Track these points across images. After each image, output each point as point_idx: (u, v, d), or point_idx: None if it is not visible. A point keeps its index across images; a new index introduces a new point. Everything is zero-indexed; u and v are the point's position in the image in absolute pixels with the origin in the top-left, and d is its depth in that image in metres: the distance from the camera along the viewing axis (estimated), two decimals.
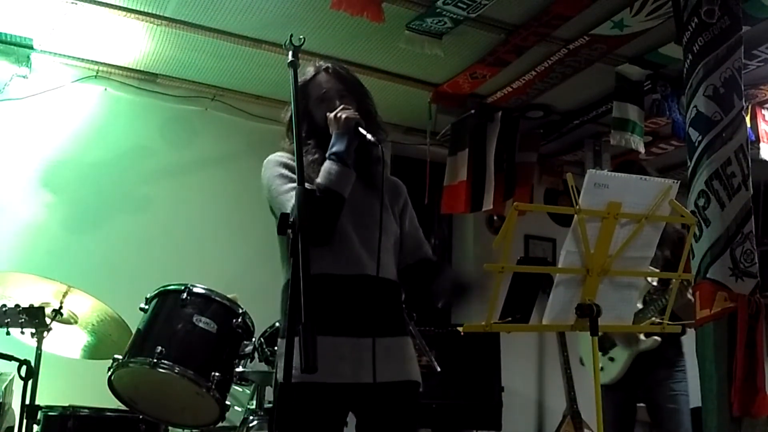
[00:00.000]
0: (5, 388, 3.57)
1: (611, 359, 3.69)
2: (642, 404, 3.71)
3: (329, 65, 2.38)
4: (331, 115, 2.23)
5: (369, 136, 2.16)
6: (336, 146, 2.19)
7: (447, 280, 2.42)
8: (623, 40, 4.16)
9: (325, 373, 1.94)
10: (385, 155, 2.27)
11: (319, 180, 2.16)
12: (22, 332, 3.19)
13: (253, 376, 3.38)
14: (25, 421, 3.09)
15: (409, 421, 2.21)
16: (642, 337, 3.59)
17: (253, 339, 3.18)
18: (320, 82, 2.34)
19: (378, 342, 2.12)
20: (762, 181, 5.76)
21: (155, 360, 2.78)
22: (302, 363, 1.63)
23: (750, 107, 4.85)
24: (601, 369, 3.70)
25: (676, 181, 2.17)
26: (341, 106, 2.24)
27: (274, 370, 2.26)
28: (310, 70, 2.37)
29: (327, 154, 2.20)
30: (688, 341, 3.50)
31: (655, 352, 3.60)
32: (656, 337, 3.57)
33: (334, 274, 2.17)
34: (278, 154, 2.34)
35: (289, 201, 2.05)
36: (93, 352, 3.51)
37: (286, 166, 2.25)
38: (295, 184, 2.05)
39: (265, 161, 2.33)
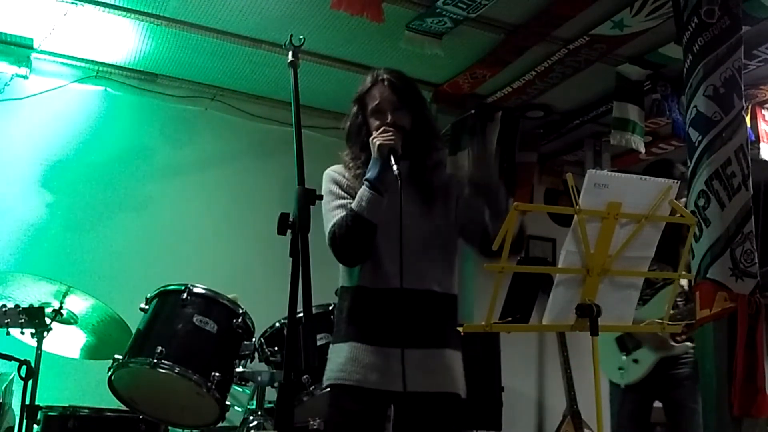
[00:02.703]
0: (5, 388, 3.57)
1: (635, 360, 3.66)
2: (658, 403, 3.69)
3: (385, 76, 2.36)
4: (370, 139, 2.25)
5: (395, 168, 2.15)
6: (370, 172, 2.22)
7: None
8: (623, 40, 4.16)
9: (356, 378, 2.18)
10: (441, 159, 2.39)
11: (352, 205, 2.21)
12: (22, 332, 3.19)
13: (255, 376, 3.38)
14: (25, 421, 3.10)
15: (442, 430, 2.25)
16: (673, 342, 3.58)
17: (254, 339, 3.18)
18: (375, 94, 2.34)
19: (408, 353, 2.16)
20: (762, 181, 5.75)
21: (155, 360, 2.79)
22: (302, 361, 1.64)
23: (750, 107, 4.85)
24: (622, 369, 3.68)
25: (676, 180, 2.17)
26: (381, 130, 2.24)
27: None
28: (367, 81, 2.38)
29: (363, 179, 2.23)
30: None
31: (678, 354, 3.60)
32: (688, 343, 3.57)
33: (366, 287, 2.26)
34: (334, 167, 2.39)
35: (334, 218, 2.23)
36: (93, 352, 3.51)
37: (337, 182, 2.33)
38: (344, 201, 2.24)
39: (324, 174, 2.39)
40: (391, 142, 2.20)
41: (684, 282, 3.58)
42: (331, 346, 2.31)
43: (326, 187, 2.33)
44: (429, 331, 2.26)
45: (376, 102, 2.32)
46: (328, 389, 2.26)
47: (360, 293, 2.27)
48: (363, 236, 2.21)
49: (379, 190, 2.20)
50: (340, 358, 2.23)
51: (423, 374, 2.19)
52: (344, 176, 2.35)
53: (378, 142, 2.20)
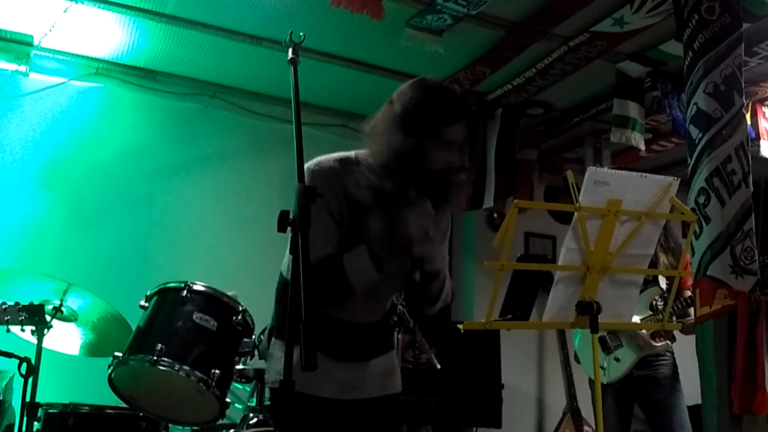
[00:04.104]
0: (5, 386, 3.57)
1: (616, 359, 3.70)
2: (637, 403, 3.74)
3: (474, 112, 2.07)
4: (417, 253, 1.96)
5: (416, 278, 1.98)
6: (386, 247, 1.97)
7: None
8: (624, 37, 4.16)
9: (312, 387, 2.03)
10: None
11: (345, 263, 1.99)
12: (23, 329, 3.19)
13: (255, 373, 3.39)
14: (25, 418, 3.09)
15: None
16: (654, 342, 3.62)
17: (253, 336, 3.18)
18: (458, 128, 2.02)
19: (363, 364, 2.16)
20: (762, 178, 5.75)
21: (155, 357, 2.78)
22: (302, 360, 1.63)
23: (750, 104, 4.85)
24: (603, 367, 3.72)
25: (676, 178, 2.17)
26: (428, 242, 1.97)
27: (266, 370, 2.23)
28: (445, 103, 2.03)
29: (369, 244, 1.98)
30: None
31: (659, 353, 3.64)
32: (668, 342, 3.62)
33: (337, 318, 2.13)
34: (335, 161, 2.11)
35: (315, 249, 1.77)
36: (93, 349, 3.51)
37: (336, 194, 2.05)
38: (335, 229, 2.00)
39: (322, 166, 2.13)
40: (426, 255, 1.97)
41: (664, 285, 3.63)
42: (275, 341, 2.17)
43: (323, 193, 1.90)
44: (381, 341, 2.26)
45: (453, 140, 2.01)
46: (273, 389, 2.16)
47: (319, 315, 2.00)
48: (339, 294, 2.03)
49: (381, 269, 1.99)
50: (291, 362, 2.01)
51: (375, 380, 2.20)
52: (346, 182, 2.07)
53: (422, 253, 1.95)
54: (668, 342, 3.65)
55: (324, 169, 2.10)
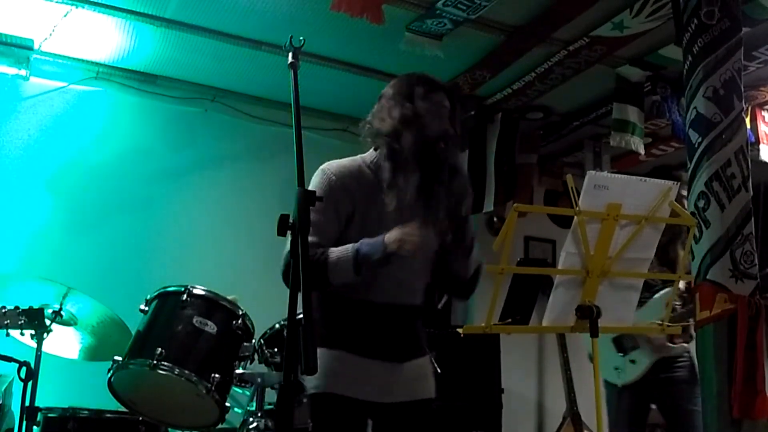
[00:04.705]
0: (5, 390, 3.57)
1: (632, 361, 3.68)
2: (654, 405, 3.71)
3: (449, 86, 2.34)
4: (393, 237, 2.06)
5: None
6: (369, 250, 2.06)
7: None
8: (623, 42, 4.16)
9: (352, 389, 2.13)
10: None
11: (330, 258, 2.08)
12: (22, 333, 3.19)
13: (254, 377, 3.38)
14: (24, 422, 3.09)
15: None
16: (670, 344, 3.60)
17: (253, 340, 3.18)
18: (442, 95, 2.27)
19: (402, 367, 2.21)
20: (762, 182, 5.75)
21: (155, 361, 2.78)
22: (302, 365, 1.63)
23: (750, 109, 4.85)
24: (618, 369, 3.69)
25: (676, 182, 2.17)
26: (416, 233, 2.06)
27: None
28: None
29: (356, 247, 2.08)
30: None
31: (676, 355, 3.62)
32: (685, 345, 3.59)
33: (354, 298, 2.19)
34: (343, 167, 2.25)
35: (312, 235, 1.95)
36: (93, 353, 3.50)
37: (345, 189, 2.19)
38: (336, 225, 2.13)
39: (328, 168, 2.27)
40: (412, 250, 2.06)
41: (682, 285, 3.60)
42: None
43: (324, 191, 2.14)
44: (413, 343, 2.29)
45: (441, 108, 2.25)
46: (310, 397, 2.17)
47: (347, 303, 2.20)
48: (315, 286, 2.07)
49: (360, 271, 2.07)
50: (323, 367, 2.09)
51: (410, 384, 2.23)
52: (358, 184, 2.20)
53: (402, 247, 2.04)
54: (685, 345, 3.62)
55: (337, 168, 2.23)
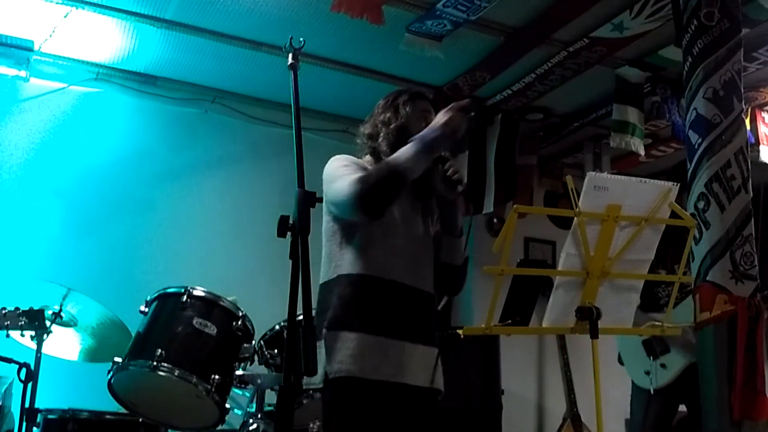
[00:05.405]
0: (5, 391, 3.57)
1: (663, 365, 3.60)
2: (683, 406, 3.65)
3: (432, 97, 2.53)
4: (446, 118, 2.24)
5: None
6: (424, 133, 2.22)
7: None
8: (623, 43, 4.16)
9: (398, 374, 2.17)
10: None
11: (389, 159, 2.20)
12: (22, 335, 3.19)
13: (254, 378, 3.38)
14: (24, 424, 3.10)
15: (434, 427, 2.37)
16: None
17: (253, 342, 3.18)
18: (427, 103, 2.45)
19: (417, 348, 2.26)
20: (762, 183, 5.75)
21: (155, 363, 2.78)
22: (302, 365, 1.63)
23: (749, 110, 4.86)
24: (648, 373, 3.63)
25: (676, 183, 2.17)
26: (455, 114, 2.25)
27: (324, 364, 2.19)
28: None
29: (421, 133, 2.23)
30: None
31: None
32: None
33: (375, 276, 2.23)
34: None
35: (356, 173, 2.18)
36: (93, 354, 3.51)
37: (356, 162, 2.33)
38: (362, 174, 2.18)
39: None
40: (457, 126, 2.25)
41: None
42: (332, 332, 2.17)
43: (345, 160, 2.31)
44: (430, 330, 2.34)
45: (429, 112, 2.44)
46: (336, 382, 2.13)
47: (369, 282, 2.21)
48: (395, 189, 2.17)
49: (428, 151, 2.20)
50: (348, 350, 2.13)
51: (428, 370, 2.28)
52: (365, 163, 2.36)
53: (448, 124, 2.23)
54: None
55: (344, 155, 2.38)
